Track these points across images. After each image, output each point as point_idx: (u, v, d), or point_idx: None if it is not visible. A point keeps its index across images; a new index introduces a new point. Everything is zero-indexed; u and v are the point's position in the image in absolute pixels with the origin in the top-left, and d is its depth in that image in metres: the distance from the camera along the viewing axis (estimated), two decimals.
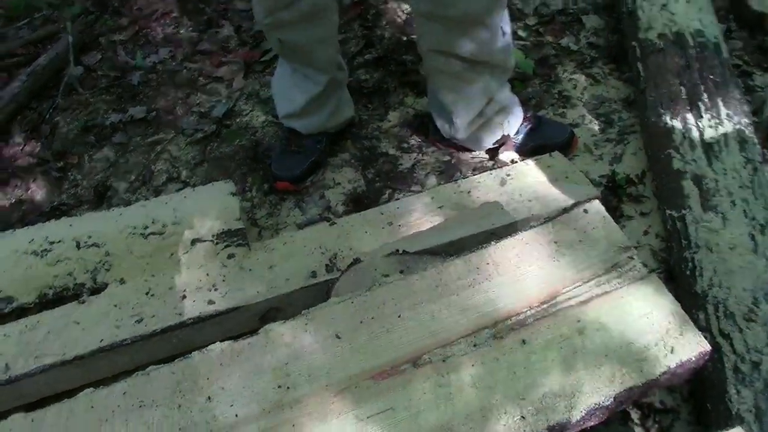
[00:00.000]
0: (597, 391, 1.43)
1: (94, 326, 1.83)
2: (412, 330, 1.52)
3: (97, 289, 1.93)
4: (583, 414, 1.41)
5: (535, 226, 1.68)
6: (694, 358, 1.47)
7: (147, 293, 1.88)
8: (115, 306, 1.87)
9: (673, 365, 1.46)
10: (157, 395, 1.48)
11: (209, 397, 1.46)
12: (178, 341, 1.83)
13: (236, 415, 1.44)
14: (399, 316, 1.54)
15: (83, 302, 1.89)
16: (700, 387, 1.73)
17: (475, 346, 1.49)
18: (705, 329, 1.72)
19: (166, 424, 1.44)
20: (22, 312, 1.94)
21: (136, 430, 1.45)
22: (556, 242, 1.64)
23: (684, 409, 1.77)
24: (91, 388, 1.52)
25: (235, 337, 1.56)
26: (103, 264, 1.94)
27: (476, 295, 1.56)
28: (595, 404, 1.42)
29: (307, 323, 1.55)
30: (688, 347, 1.48)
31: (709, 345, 1.50)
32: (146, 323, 1.82)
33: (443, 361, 1.48)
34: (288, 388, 1.46)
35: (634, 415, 1.74)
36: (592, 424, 1.45)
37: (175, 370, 1.51)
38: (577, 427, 1.42)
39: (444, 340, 1.51)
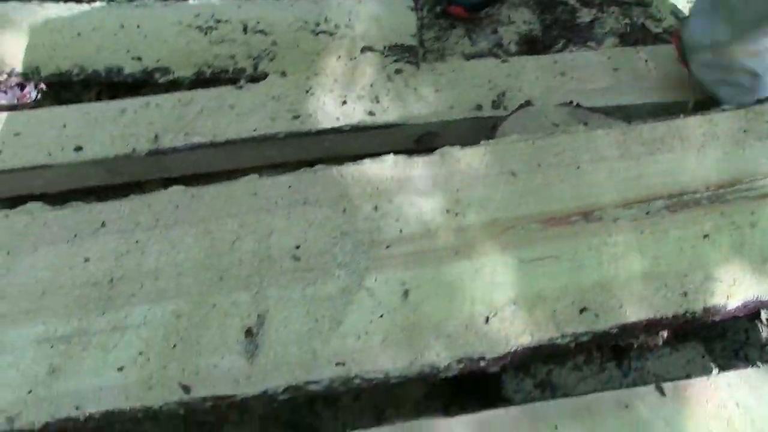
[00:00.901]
0: (757, 285, 1.43)
1: (249, 114, 1.85)
2: (587, 184, 1.52)
3: (256, 78, 1.94)
4: (739, 304, 1.42)
5: (726, 110, 1.64)
6: None
7: (307, 91, 1.88)
8: (273, 98, 1.88)
9: None
10: (322, 195, 1.51)
11: (376, 207, 1.49)
12: (330, 146, 1.85)
13: (400, 231, 1.46)
14: (578, 167, 1.54)
15: (240, 88, 1.90)
16: None
17: (647, 213, 1.49)
18: None
19: (328, 226, 1.47)
20: (171, 85, 1.96)
21: (297, 225, 1.48)
22: (745, 131, 1.61)
23: None
24: (255, 175, 1.55)
25: (408, 152, 1.56)
26: (268, 53, 1.94)
27: (656, 164, 1.55)
28: (754, 297, 1.43)
29: (485, 154, 1.55)
30: None
31: None
32: (303, 121, 1.83)
33: (614, 221, 1.48)
34: (456, 214, 1.48)
35: (765, 314, 1.74)
36: (742, 314, 1.46)
37: (344, 173, 1.53)
38: (729, 315, 1.44)
39: (618, 201, 1.51)
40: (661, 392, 1.37)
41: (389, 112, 1.84)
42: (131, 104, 1.88)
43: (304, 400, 1.67)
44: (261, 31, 1.94)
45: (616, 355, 1.54)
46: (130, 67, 1.94)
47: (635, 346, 1.54)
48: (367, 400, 1.70)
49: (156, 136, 1.81)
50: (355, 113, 1.84)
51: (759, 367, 1.43)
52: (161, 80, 1.93)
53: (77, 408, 1.31)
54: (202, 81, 1.94)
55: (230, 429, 1.68)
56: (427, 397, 1.69)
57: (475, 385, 1.59)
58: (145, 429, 1.63)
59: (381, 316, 1.38)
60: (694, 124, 1.60)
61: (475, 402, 1.41)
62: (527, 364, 1.51)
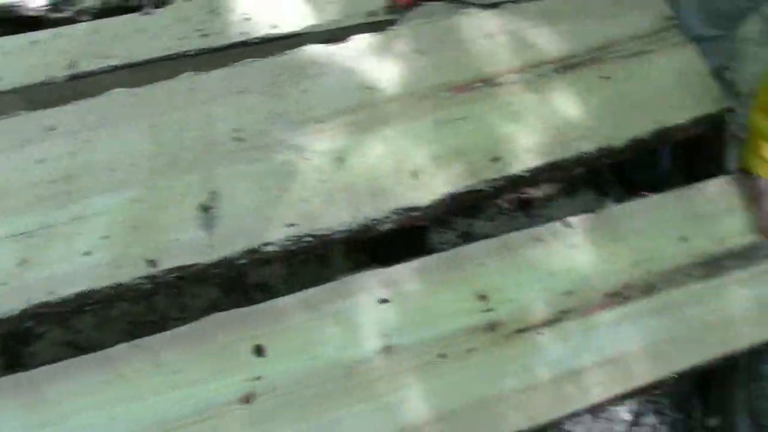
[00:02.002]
0: (639, 126, 1.72)
1: (160, 36, 2.00)
2: (486, 55, 1.78)
3: (159, 4, 2.09)
4: (627, 144, 1.70)
5: None
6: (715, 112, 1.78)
7: (211, 11, 2.06)
8: (180, 20, 2.04)
9: (689, 119, 1.77)
10: (255, 83, 1.70)
11: (304, 90, 1.69)
12: (239, 58, 2.02)
13: (328, 107, 1.67)
14: (475, 42, 1.79)
15: (147, 14, 2.05)
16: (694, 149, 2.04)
17: (539, 76, 1.76)
18: None
19: (264, 109, 1.67)
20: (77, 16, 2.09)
21: (235, 111, 1.68)
22: (615, 2, 1.90)
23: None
24: (191, 72, 1.72)
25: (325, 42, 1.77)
26: None
27: (543, 36, 1.82)
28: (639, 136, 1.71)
29: (394, 37, 1.78)
30: (710, 106, 1.79)
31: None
32: (212, 39, 2.00)
33: (511, 84, 1.74)
34: (375, 90, 1.70)
35: None
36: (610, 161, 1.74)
37: (271, 63, 1.73)
38: (621, 157, 1.71)
39: (513, 68, 1.76)
40: (568, 225, 1.62)
41: (291, 24, 2.03)
42: (42, 36, 1.98)
43: (237, 288, 1.86)
44: None
45: (522, 206, 1.81)
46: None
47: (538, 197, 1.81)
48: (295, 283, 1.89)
49: (72, 63, 1.93)
50: (259, 27, 2.02)
51: (647, 196, 1.70)
52: (66, 14, 2.05)
53: (51, 293, 1.44)
54: (107, 11, 2.07)
55: (174, 324, 1.84)
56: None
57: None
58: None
59: (321, 182, 1.59)
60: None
61: None
62: (448, 220, 1.76)
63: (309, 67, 1.72)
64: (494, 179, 1.62)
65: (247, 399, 1.40)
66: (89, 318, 1.91)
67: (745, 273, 1.62)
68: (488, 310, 1.52)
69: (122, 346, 1.43)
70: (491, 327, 1.51)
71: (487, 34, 1.80)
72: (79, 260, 1.48)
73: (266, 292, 1.89)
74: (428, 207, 1.58)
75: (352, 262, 1.93)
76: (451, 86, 1.71)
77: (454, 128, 1.66)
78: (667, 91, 1.78)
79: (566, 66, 1.77)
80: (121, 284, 1.47)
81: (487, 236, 1.68)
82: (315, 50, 1.74)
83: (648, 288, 1.57)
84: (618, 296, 1.56)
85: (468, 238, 1.77)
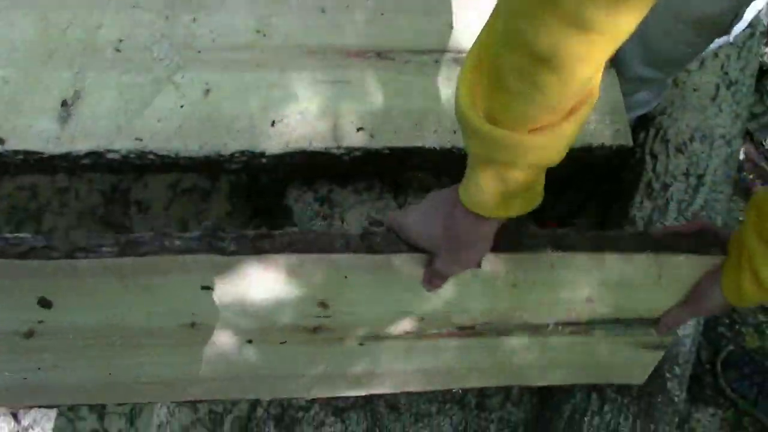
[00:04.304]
0: None
1: None
2: (388, 27, 1.87)
3: None
4: None
5: None
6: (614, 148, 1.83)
7: None
8: None
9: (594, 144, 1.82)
10: (150, 2, 1.83)
11: (194, 19, 1.82)
12: None
13: (213, 41, 1.80)
14: (382, 14, 1.88)
15: None
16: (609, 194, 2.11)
17: (436, 62, 1.84)
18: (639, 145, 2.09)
19: (152, 28, 1.80)
20: None
21: (124, 23, 1.80)
22: None
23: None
24: None
25: None
26: None
27: (451, 24, 1.89)
28: None
29: None
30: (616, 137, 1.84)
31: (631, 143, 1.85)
32: None
33: (404, 63, 1.83)
34: (265, 35, 1.81)
35: None
36: None
37: None
38: None
39: (412, 47, 1.85)
40: None
41: None
42: None
43: (119, 200, 2.00)
44: None
45: (396, 189, 1.89)
46: None
47: (414, 186, 1.89)
48: (176, 210, 2.03)
49: None
50: None
51: None
52: None
53: None
54: None
55: (50, 217, 2.00)
56: (230, 215, 2.02)
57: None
58: None
59: (182, 106, 1.70)
60: None
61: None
62: (313, 180, 1.85)
63: None
64: (353, 148, 1.71)
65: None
66: None
67: None
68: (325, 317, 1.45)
69: None
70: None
71: (397, 8, 1.88)
72: None
73: (145, 210, 2.01)
74: (277, 156, 1.69)
75: (231, 205, 2.04)
76: (344, 49, 1.81)
77: (332, 90, 1.75)
78: None
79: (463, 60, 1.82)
80: None
81: (345, 207, 1.77)
82: None
83: None
84: None
85: (325, 203, 1.84)
